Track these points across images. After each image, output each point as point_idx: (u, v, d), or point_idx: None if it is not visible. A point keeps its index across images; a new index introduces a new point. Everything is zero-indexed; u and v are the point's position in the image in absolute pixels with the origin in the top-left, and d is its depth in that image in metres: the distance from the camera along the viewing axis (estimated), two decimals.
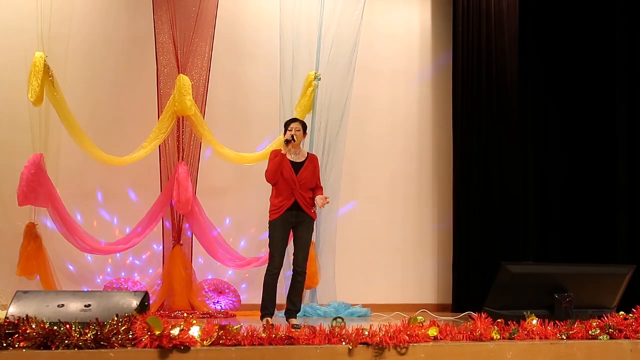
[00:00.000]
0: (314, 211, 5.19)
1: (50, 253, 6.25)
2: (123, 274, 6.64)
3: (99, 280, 6.63)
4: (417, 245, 7.64)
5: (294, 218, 5.07)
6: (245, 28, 7.35)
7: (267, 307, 5.02)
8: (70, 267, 6.60)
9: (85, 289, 6.48)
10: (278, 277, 5.10)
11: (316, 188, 5.22)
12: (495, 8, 7.65)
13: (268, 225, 5.12)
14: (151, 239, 6.65)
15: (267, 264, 5.14)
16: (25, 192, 5.95)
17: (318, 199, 5.09)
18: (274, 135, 6.56)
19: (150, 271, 6.75)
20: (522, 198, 7.56)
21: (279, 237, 5.06)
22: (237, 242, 6.95)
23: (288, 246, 5.26)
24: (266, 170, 5.09)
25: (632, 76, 6.96)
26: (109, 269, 6.71)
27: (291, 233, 5.19)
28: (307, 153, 5.31)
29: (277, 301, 5.14)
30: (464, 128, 7.52)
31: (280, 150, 5.11)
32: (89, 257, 6.63)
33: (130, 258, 6.75)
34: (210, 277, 6.78)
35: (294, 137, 5.07)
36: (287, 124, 5.24)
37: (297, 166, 5.11)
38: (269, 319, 4.94)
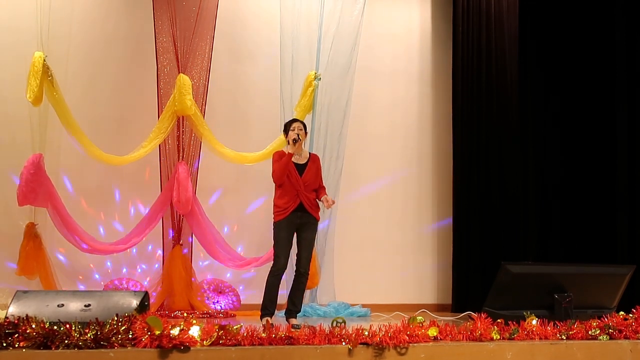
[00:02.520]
0: (318, 212, 5.18)
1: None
2: (125, 269, 6.66)
3: (97, 276, 6.64)
4: (417, 245, 7.64)
5: (298, 219, 5.03)
6: (245, 28, 7.35)
7: (268, 307, 4.99)
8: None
9: (82, 287, 6.50)
10: (281, 278, 5.06)
11: (319, 188, 5.19)
12: (495, 8, 7.65)
13: (273, 226, 5.06)
14: (151, 239, 6.65)
15: (266, 264, 5.13)
16: (25, 192, 5.95)
17: (325, 200, 5.07)
18: (274, 135, 6.56)
19: (147, 265, 6.76)
20: (522, 198, 7.55)
21: (284, 238, 5.01)
22: (236, 242, 6.94)
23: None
24: (273, 172, 5.04)
25: (632, 76, 6.95)
26: (108, 263, 6.71)
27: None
28: (309, 153, 5.29)
29: (277, 301, 5.13)
30: (464, 128, 7.52)
31: (283, 150, 5.11)
32: (95, 257, 6.63)
33: (130, 258, 6.75)
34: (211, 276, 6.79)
35: (299, 135, 5.07)
36: (288, 125, 5.22)
37: (300, 168, 5.09)
38: (268, 318, 4.92)
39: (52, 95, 6.19)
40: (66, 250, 6.48)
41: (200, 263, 6.84)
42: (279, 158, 5.05)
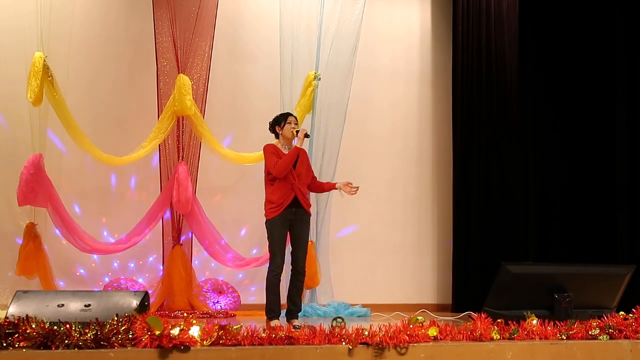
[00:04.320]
0: (310, 208, 5.16)
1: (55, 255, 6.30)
2: (126, 269, 6.66)
3: (97, 276, 6.65)
4: (417, 245, 7.64)
5: (292, 215, 4.96)
6: (245, 28, 7.35)
7: (274, 309, 4.91)
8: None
9: (82, 287, 6.49)
10: (280, 277, 5.00)
11: (313, 179, 5.20)
12: (495, 8, 7.66)
13: (266, 224, 4.98)
14: (151, 239, 6.65)
15: (266, 264, 5.09)
16: (25, 192, 5.96)
17: (344, 187, 5.10)
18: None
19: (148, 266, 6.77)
20: (522, 198, 7.56)
21: (280, 236, 4.94)
22: (237, 242, 6.94)
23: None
24: (276, 164, 4.89)
25: (632, 76, 6.96)
26: (111, 263, 6.71)
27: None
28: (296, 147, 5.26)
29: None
30: (464, 128, 7.52)
31: (274, 144, 5.10)
32: (95, 257, 6.64)
33: (130, 258, 6.75)
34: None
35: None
36: (283, 118, 5.19)
37: None
38: (277, 321, 4.82)
39: (52, 96, 6.18)
40: (66, 250, 6.47)
41: (200, 263, 6.83)
42: (275, 151, 5.01)
